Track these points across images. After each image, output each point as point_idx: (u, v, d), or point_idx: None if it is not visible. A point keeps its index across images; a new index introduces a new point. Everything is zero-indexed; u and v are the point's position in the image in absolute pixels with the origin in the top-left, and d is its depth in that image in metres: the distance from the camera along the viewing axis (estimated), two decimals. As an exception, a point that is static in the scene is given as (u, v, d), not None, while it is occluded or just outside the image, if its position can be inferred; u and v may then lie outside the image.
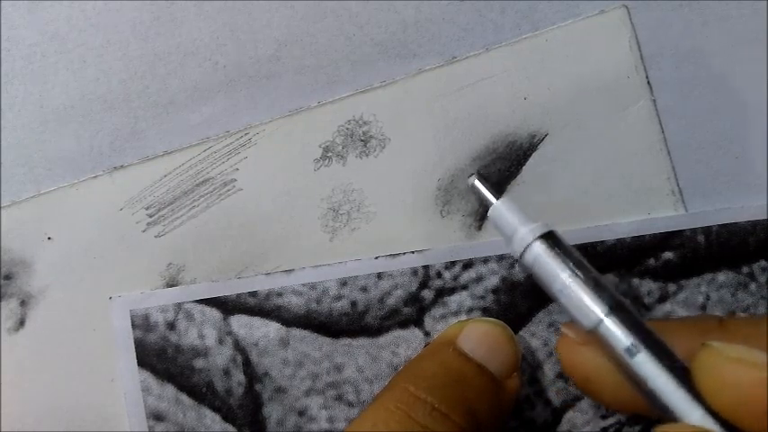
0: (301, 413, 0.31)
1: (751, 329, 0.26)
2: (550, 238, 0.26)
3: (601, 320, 0.25)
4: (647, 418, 0.30)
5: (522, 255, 0.27)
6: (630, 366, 0.24)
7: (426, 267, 0.31)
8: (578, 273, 0.26)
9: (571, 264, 0.26)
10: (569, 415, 0.31)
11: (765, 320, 0.26)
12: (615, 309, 0.25)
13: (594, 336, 0.25)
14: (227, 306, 0.32)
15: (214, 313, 0.32)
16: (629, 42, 0.32)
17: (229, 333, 0.32)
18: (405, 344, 0.31)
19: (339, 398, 0.31)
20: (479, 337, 0.29)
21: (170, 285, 0.32)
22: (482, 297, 0.31)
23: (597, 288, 0.25)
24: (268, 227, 0.32)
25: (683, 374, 0.23)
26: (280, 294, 0.32)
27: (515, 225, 0.27)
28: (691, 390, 0.23)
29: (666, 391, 0.23)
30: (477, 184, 0.29)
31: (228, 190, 0.32)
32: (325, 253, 0.32)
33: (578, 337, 0.27)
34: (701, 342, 0.23)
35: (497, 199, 0.28)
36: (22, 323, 0.32)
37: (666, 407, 0.23)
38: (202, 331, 0.32)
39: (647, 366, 0.24)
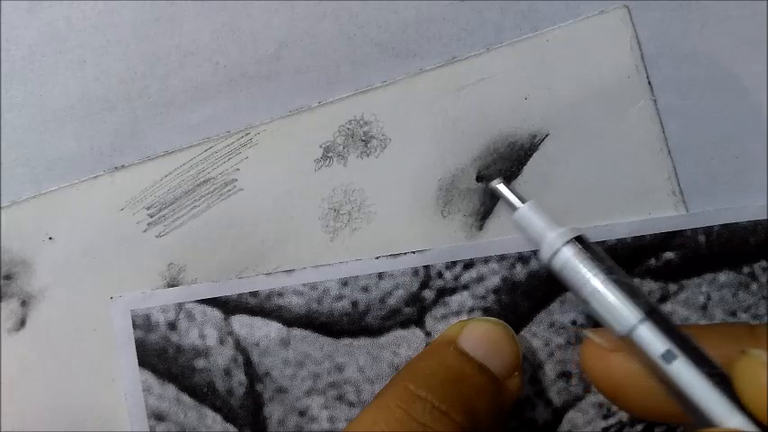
0: (302, 413, 0.31)
1: None
2: (580, 243, 0.26)
3: (635, 326, 0.25)
4: (673, 424, 0.29)
5: (550, 260, 0.26)
6: (667, 373, 0.24)
7: (427, 267, 0.31)
8: (610, 277, 0.25)
9: (602, 268, 0.26)
10: (570, 415, 0.31)
11: None
12: (650, 314, 0.25)
13: (627, 342, 0.25)
14: (228, 306, 0.32)
15: (215, 313, 0.32)
16: (630, 42, 0.32)
17: (230, 333, 0.32)
18: (406, 344, 0.31)
19: (340, 398, 0.31)
20: (480, 337, 0.29)
21: (171, 285, 0.32)
22: (483, 297, 0.31)
23: (631, 293, 0.25)
24: (269, 227, 0.32)
25: (721, 381, 0.23)
26: (281, 294, 0.32)
27: (543, 229, 0.27)
28: (730, 396, 0.23)
29: (705, 398, 0.23)
30: (501, 188, 0.29)
31: (229, 190, 0.32)
32: (325, 253, 0.32)
33: (608, 343, 0.26)
34: (734, 349, 0.23)
35: (523, 203, 0.28)
36: (22, 323, 0.32)
37: (704, 413, 0.23)
38: (203, 331, 0.32)
39: (685, 373, 0.23)
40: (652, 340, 0.24)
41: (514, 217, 0.28)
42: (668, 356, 0.24)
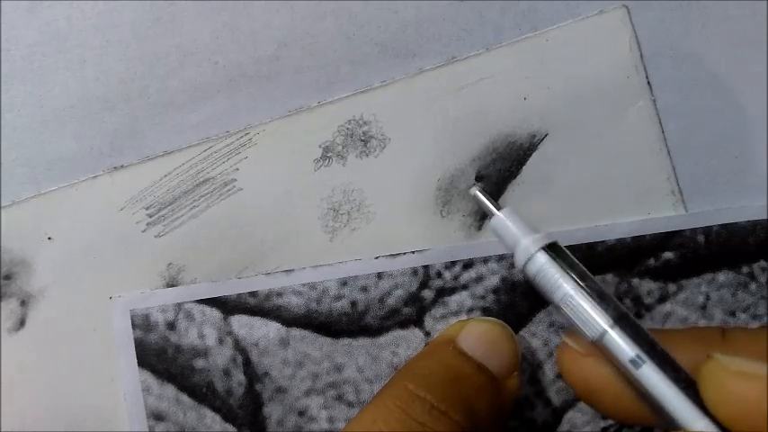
0: (301, 413, 0.31)
1: (753, 340, 0.26)
2: (553, 249, 0.27)
3: (605, 331, 0.25)
4: (648, 426, 0.30)
5: (525, 266, 0.27)
6: (635, 377, 0.24)
7: (426, 267, 0.31)
8: (582, 283, 0.26)
9: (574, 274, 0.26)
10: (569, 415, 0.31)
11: (766, 331, 0.26)
12: (619, 320, 0.25)
13: (598, 347, 0.25)
14: (227, 306, 0.32)
15: (214, 313, 0.32)
16: (629, 42, 0.32)
17: (229, 333, 0.32)
18: (405, 344, 0.31)
19: (339, 398, 0.31)
20: (479, 337, 0.29)
21: (170, 285, 0.32)
22: (482, 297, 0.31)
23: (601, 299, 0.25)
24: (268, 227, 0.32)
25: (687, 385, 0.23)
26: (280, 294, 0.32)
27: (518, 236, 0.27)
28: (696, 401, 0.23)
29: (671, 402, 0.23)
30: (479, 194, 0.29)
31: (229, 190, 0.32)
32: (325, 253, 0.32)
33: (581, 347, 0.27)
34: (704, 353, 0.23)
35: (498, 210, 0.28)
36: (22, 323, 0.32)
37: (671, 417, 0.23)
38: (203, 331, 0.32)
39: (652, 377, 0.24)
40: (621, 345, 0.25)
41: (491, 223, 0.28)
42: (637, 361, 0.24)
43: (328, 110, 0.32)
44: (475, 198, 0.30)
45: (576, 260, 0.27)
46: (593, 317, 0.25)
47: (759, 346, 0.25)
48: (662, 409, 0.24)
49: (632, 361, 0.24)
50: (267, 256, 0.32)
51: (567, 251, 0.27)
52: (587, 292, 0.26)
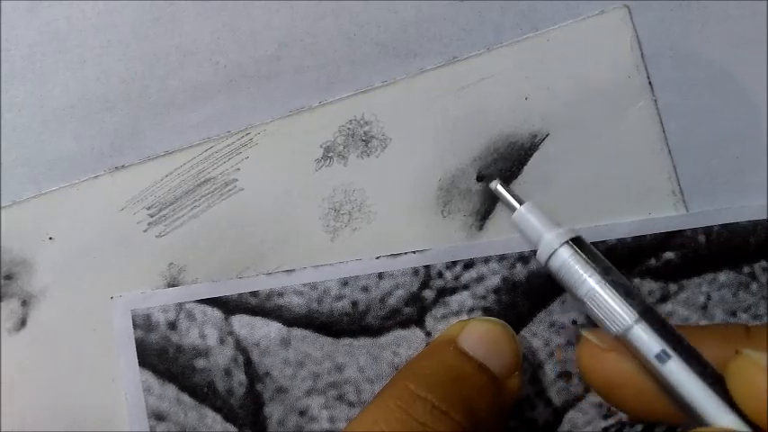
0: (302, 413, 0.31)
1: None
2: (577, 243, 0.26)
3: (631, 326, 0.25)
4: (668, 424, 0.30)
5: (548, 260, 0.27)
6: (661, 373, 0.24)
7: (427, 267, 0.31)
8: (606, 278, 0.26)
9: (599, 269, 0.26)
10: (570, 415, 0.31)
11: None
12: (645, 314, 0.25)
13: (621, 342, 0.25)
14: (228, 306, 0.32)
15: (215, 313, 0.32)
16: (630, 42, 0.32)
17: (230, 333, 0.32)
18: (406, 344, 0.31)
19: (340, 398, 0.31)
20: (480, 337, 0.29)
21: (171, 285, 0.32)
22: (483, 297, 0.31)
23: (626, 293, 0.25)
24: (269, 227, 0.32)
25: (714, 381, 0.23)
26: (281, 294, 0.32)
27: (540, 230, 0.27)
28: (723, 396, 0.23)
29: (698, 397, 0.23)
30: (500, 188, 0.29)
31: (230, 190, 0.32)
32: (326, 253, 0.32)
33: (604, 343, 0.26)
34: (728, 349, 0.23)
35: (521, 204, 0.28)
36: (22, 323, 0.32)
37: (697, 413, 0.23)
38: (203, 331, 0.32)
39: (679, 372, 0.24)
40: (647, 340, 0.24)
41: (513, 218, 0.28)
42: (662, 356, 0.24)
43: (329, 110, 0.32)
44: (496, 192, 0.29)
45: (600, 254, 0.26)
46: (618, 311, 0.25)
47: None
48: (688, 404, 0.23)
49: (658, 356, 0.24)
50: (268, 255, 0.32)
51: (591, 245, 0.27)
52: (612, 287, 0.25)
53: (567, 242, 0.27)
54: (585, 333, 0.27)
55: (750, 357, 0.22)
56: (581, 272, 0.26)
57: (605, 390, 0.27)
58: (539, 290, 0.31)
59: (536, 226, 0.27)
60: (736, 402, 0.22)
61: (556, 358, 0.31)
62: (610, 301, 0.25)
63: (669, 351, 0.24)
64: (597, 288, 0.25)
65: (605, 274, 0.26)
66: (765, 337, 0.26)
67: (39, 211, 0.33)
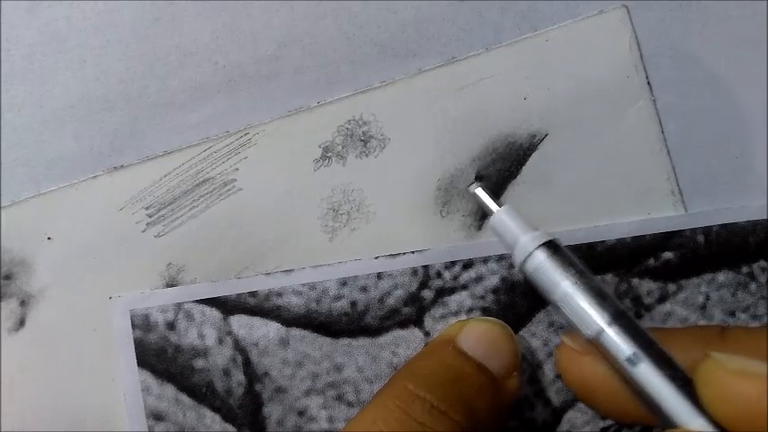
0: (301, 413, 0.31)
1: (752, 339, 0.26)
2: (552, 247, 0.27)
3: (602, 330, 0.25)
4: (644, 426, 0.30)
5: (523, 263, 0.27)
6: (632, 376, 0.24)
7: (426, 267, 0.31)
8: (580, 281, 0.26)
9: (573, 272, 0.26)
10: (569, 415, 0.31)
11: (766, 330, 0.26)
12: (617, 318, 0.25)
13: (595, 345, 0.25)
14: (226, 306, 0.32)
15: (214, 313, 0.32)
16: (629, 42, 0.32)
17: (229, 333, 0.32)
18: (405, 344, 0.31)
19: (339, 398, 0.31)
20: (479, 337, 0.29)
21: (170, 285, 0.32)
22: (482, 297, 0.31)
23: (599, 297, 0.25)
24: (268, 227, 0.32)
25: (684, 384, 0.23)
26: (279, 294, 0.32)
27: (517, 233, 0.27)
28: (692, 399, 0.23)
29: (668, 401, 0.23)
30: (479, 192, 0.29)
31: (228, 190, 0.32)
32: (324, 253, 0.32)
33: (579, 346, 0.27)
34: (702, 352, 0.23)
35: (498, 207, 0.28)
36: (21, 323, 0.32)
37: (667, 416, 0.23)
38: (202, 331, 0.32)
39: (649, 376, 0.24)
40: (618, 344, 0.25)
41: (490, 221, 0.28)
42: (633, 360, 0.24)
43: (328, 110, 0.32)
44: (475, 196, 0.30)
45: (574, 258, 0.26)
46: (590, 315, 0.25)
47: (758, 345, 0.25)
48: (658, 407, 0.24)
49: (629, 359, 0.24)
50: (267, 256, 0.32)
51: (566, 249, 0.27)
52: (585, 291, 0.26)
53: (541, 245, 0.27)
54: (563, 336, 0.27)
55: (718, 360, 0.22)
56: (555, 275, 0.26)
57: (581, 391, 0.27)
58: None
59: (512, 229, 0.28)
60: (705, 405, 0.22)
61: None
62: (582, 304, 0.25)
63: (640, 354, 0.24)
64: (570, 291, 0.26)
65: (579, 277, 0.26)
66: (740, 340, 0.26)
67: (38, 211, 0.33)
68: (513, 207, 0.28)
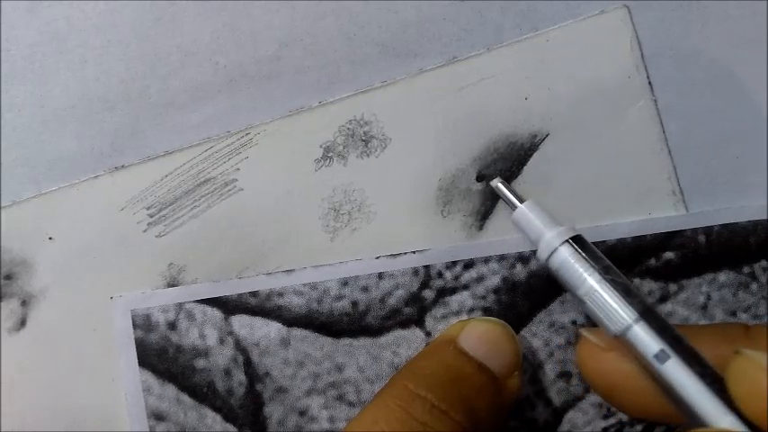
0: (302, 413, 0.31)
1: None
2: (577, 242, 0.26)
3: (630, 326, 0.25)
4: (667, 424, 0.30)
5: (548, 259, 0.27)
6: (660, 373, 0.24)
7: (427, 267, 0.31)
8: (606, 277, 0.25)
9: (599, 268, 0.26)
10: (570, 415, 0.31)
11: None
12: (645, 314, 0.25)
13: (620, 341, 0.25)
14: (228, 306, 0.32)
15: (215, 313, 0.32)
16: (630, 42, 0.32)
17: (230, 333, 0.32)
18: (406, 344, 0.31)
19: (340, 398, 0.31)
20: (480, 336, 0.29)
21: (171, 285, 0.32)
22: (483, 297, 0.31)
23: (626, 293, 0.25)
24: (269, 227, 0.32)
25: (713, 381, 0.23)
26: (281, 294, 0.32)
27: (541, 229, 0.27)
28: (722, 396, 0.23)
29: (697, 398, 0.23)
30: (501, 187, 0.29)
31: (230, 190, 0.32)
32: (325, 253, 0.32)
33: (603, 342, 0.26)
34: (727, 349, 0.23)
35: (522, 202, 0.28)
36: (22, 323, 0.32)
37: (696, 413, 0.23)
38: (203, 331, 0.32)
39: (678, 373, 0.24)
40: (646, 340, 0.24)
41: (513, 216, 0.28)
42: (661, 356, 0.24)
43: (329, 110, 0.32)
44: (497, 190, 0.29)
45: (600, 253, 0.26)
46: (617, 311, 0.25)
47: None
48: (687, 405, 0.23)
49: (657, 356, 0.24)
50: (268, 256, 0.32)
51: (592, 244, 0.26)
52: (612, 286, 0.25)
53: (567, 241, 0.27)
54: (585, 332, 0.27)
55: (750, 357, 0.22)
56: (581, 271, 0.26)
57: (604, 390, 0.27)
58: (538, 290, 0.31)
59: (537, 224, 0.27)
60: (736, 403, 0.22)
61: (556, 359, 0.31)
62: (609, 300, 0.25)
63: (668, 351, 0.24)
64: (597, 287, 0.25)
65: (605, 273, 0.26)
66: (765, 337, 0.26)
67: (39, 211, 0.33)
68: (536, 202, 0.28)
